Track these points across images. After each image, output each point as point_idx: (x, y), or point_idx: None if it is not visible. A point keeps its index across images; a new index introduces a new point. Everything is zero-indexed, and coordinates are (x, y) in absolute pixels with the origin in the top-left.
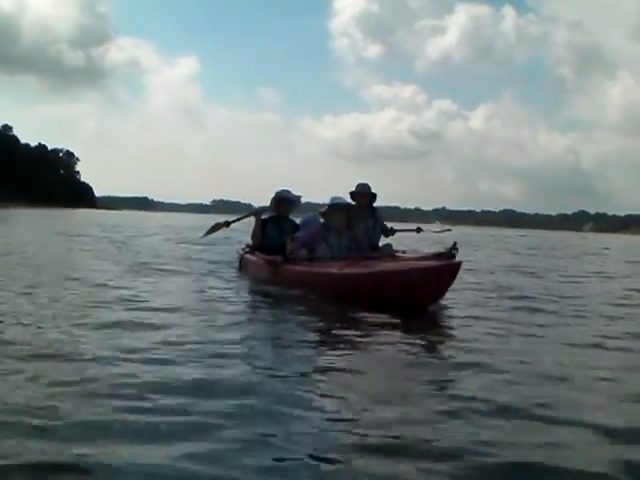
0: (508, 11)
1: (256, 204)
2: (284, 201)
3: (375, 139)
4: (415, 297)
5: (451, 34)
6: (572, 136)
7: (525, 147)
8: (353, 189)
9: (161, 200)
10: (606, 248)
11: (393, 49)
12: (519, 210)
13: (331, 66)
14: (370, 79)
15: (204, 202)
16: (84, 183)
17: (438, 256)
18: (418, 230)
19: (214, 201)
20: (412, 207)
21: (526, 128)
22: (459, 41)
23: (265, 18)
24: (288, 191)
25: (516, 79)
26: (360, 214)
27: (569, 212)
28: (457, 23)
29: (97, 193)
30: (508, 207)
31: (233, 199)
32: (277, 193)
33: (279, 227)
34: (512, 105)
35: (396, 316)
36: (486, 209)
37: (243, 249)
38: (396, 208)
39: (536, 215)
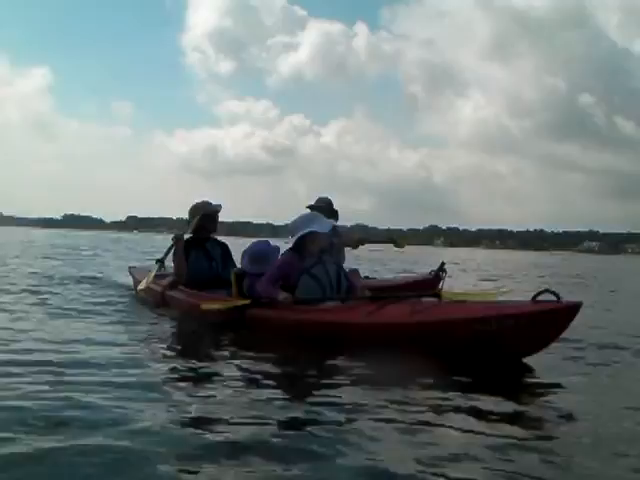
0: (361, 28)
1: (107, 219)
2: (211, 217)
3: (227, 154)
4: (518, 347)
5: (303, 50)
6: (424, 152)
7: (377, 163)
8: (312, 203)
9: (11, 214)
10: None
11: (245, 65)
12: (371, 225)
13: (183, 81)
14: (222, 94)
15: (55, 217)
16: None
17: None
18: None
19: (65, 215)
20: (264, 222)
21: (378, 144)
22: (311, 57)
23: (119, 31)
24: (209, 202)
25: (368, 95)
26: None
27: (420, 227)
28: (309, 40)
29: None
30: (360, 222)
31: (84, 214)
32: (202, 206)
33: (206, 252)
34: (364, 121)
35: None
36: (338, 224)
37: (156, 282)
38: (248, 223)
39: (388, 230)
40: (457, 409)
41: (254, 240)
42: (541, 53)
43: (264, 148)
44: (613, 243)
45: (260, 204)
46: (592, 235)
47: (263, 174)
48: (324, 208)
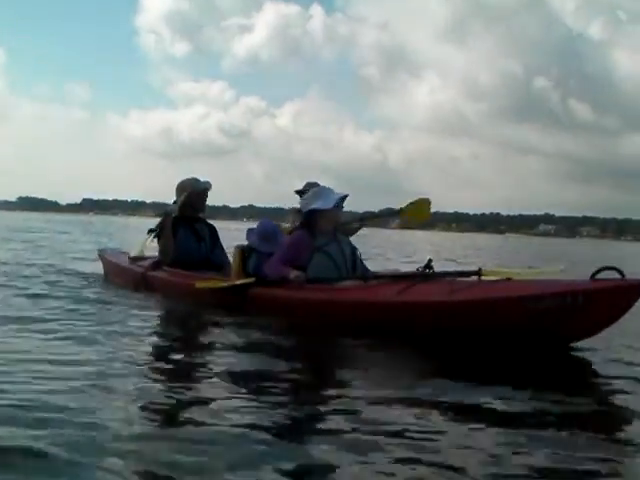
0: (316, 10)
1: (63, 202)
2: (201, 195)
3: (183, 136)
4: (578, 329)
5: (259, 32)
6: (379, 134)
7: (332, 145)
8: (300, 188)
9: None
10: None
11: (201, 46)
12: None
13: (139, 62)
14: (178, 76)
15: (9, 199)
16: None
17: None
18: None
19: (20, 198)
20: (220, 205)
21: (334, 126)
22: (267, 39)
23: (74, 12)
24: (197, 180)
25: (324, 77)
26: None
27: (376, 209)
28: (265, 21)
29: None
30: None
31: (40, 196)
32: (189, 183)
33: (194, 232)
34: (320, 103)
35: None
36: (295, 206)
37: (133, 261)
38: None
39: (343, 212)
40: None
41: (215, 222)
42: (497, 36)
43: (220, 130)
44: (569, 226)
45: (216, 186)
46: (548, 218)
47: (219, 156)
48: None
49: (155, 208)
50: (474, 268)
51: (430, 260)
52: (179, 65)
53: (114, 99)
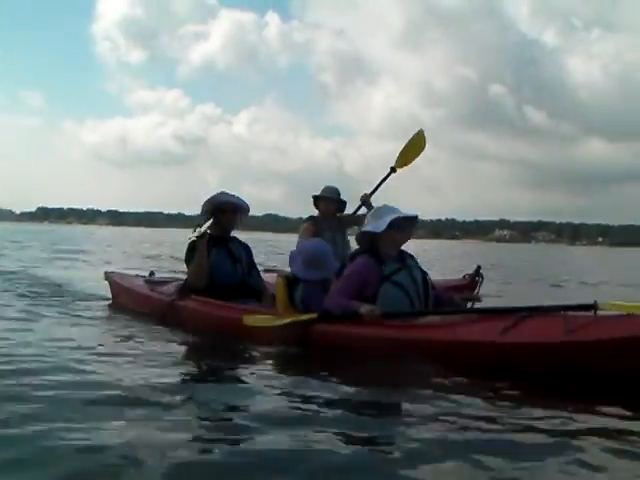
0: (272, 17)
1: (17, 210)
2: (236, 211)
3: (139, 143)
4: None
5: (214, 40)
6: (335, 141)
7: (288, 151)
8: (317, 193)
9: None
10: None
11: (156, 54)
12: (282, 214)
13: (94, 70)
14: (133, 83)
15: None
16: None
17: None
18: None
19: None
20: (176, 212)
21: (290, 132)
22: (223, 46)
23: (29, 20)
24: (227, 193)
25: (280, 85)
26: (327, 226)
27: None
28: (221, 29)
29: None
30: (271, 212)
31: None
32: (220, 198)
33: (229, 253)
34: (276, 110)
35: None
36: (250, 214)
37: (151, 288)
38: (160, 214)
39: (299, 219)
40: None
41: (172, 230)
42: (453, 43)
43: (175, 137)
44: (524, 231)
45: (172, 194)
46: (503, 224)
47: (174, 164)
48: (333, 199)
49: (110, 217)
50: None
51: (479, 267)
52: (134, 72)
53: (69, 107)
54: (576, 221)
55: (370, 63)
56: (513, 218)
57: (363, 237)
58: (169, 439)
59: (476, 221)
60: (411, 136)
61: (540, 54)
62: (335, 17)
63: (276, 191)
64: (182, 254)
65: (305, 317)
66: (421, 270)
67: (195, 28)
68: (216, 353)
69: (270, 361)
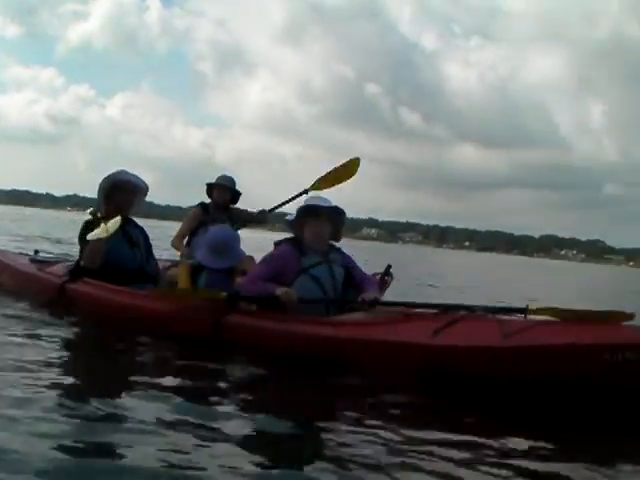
0: (153, 2)
1: None
2: (132, 192)
3: (10, 120)
4: None
5: (94, 20)
6: (209, 130)
7: (161, 138)
8: (213, 181)
9: None
10: None
11: (34, 30)
12: (155, 202)
13: None
14: (7, 59)
15: None
16: None
17: None
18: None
19: None
20: (43, 192)
21: (164, 119)
22: (102, 27)
23: None
24: (127, 172)
25: (157, 70)
26: (217, 216)
27: None
28: (101, 9)
29: None
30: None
31: None
32: (119, 177)
33: (126, 236)
34: (151, 96)
35: None
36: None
37: (39, 268)
38: (27, 192)
39: (167, 206)
40: None
41: (40, 211)
42: (333, 41)
43: (48, 117)
44: (392, 231)
45: (40, 173)
46: (372, 222)
47: (45, 143)
48: (228, 187)
49: None
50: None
51: (389, 266)
52: (9, 48)
53: None
54: (444, 224)
55: (249, 55)
56: (382, 217)
57: (289, 226)
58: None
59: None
60: (343, 162)
61: (418, 57)
62: (217, 7)
63: (147, 177)
64: (54, 234)
65: (213, 295)
66: (345, 267)
67: (75, 7)
68: (112, 344)
69: (174, 353)
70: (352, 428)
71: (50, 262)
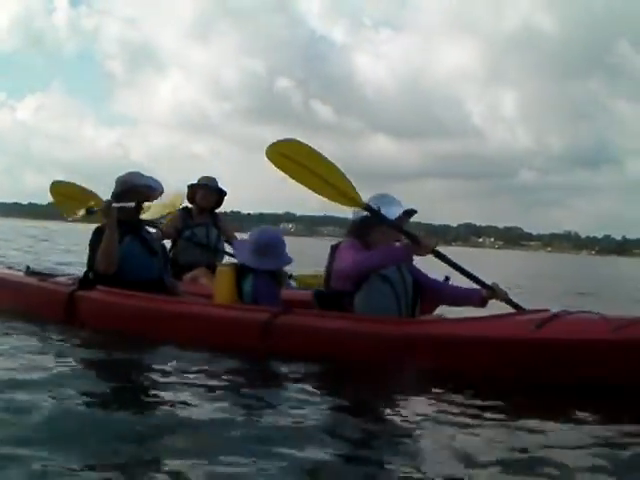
0: (60, 2)
1: None
2: (148, 196)
3: None
4: None
5: (0, 22)
6: (120, 130)
7: (73, 140)
8: (194, 182)
9: None
10: None
11: None
12: None
13: None
14: None
15: None
16: None
17: None
18: None
19: None
20: None
21: (75, 120)
22: (8, 29)
23: None
24: (142, 175)
25: (67, 71)
26: (201, 220)
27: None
28: (6, 10)
29: None
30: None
31: None
32: (130, 179)
33: (143, 241)
34: (62, 97)
35: None
36: (34, 202)
37: (35, 277)
38: None
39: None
40: None
41: None
42: (242, 36)
43: None
44: (309, 225)
45: None
46: (289, 217)
47: None
48: (213, 189)
49: None
50: None
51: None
52: None
53: None
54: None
55: (159, 53)
56: (299, 212)
57: (359, 222)
58: None
59: (261, 214)
60: None
61: (329, 50)
62: (125, 4)
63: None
64: None
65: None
66: (413, 275)
67: None
68: (140, 358)
69: (218, 363)
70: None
71: (50, 275)
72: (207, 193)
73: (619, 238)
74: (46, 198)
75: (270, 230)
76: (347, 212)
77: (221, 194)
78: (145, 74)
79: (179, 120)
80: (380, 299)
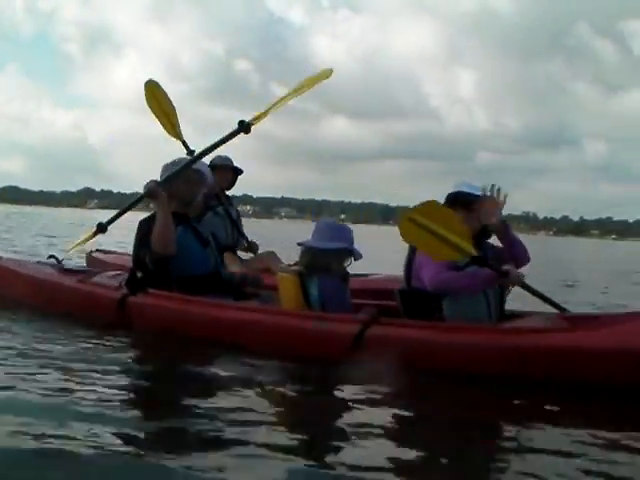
0: None
1: None
2: (198, 183)
3: None
4: None
5: None
6: (78, 112)
7: (29, 122)
8: (210, 161)
9: None
10: None
11: None
12: (23, 187)
13: None
14: None
15: None
16: None
17: None
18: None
19: None
20: None
21: (32, 103)
22: None
23: None
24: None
25: (23, 54)
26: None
27: (74, 189)
28: None
29: None
30: (13, 184)
31: None
32: (179, 163)
33: (196, 234)
34: (18, 80)
35: None
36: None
37: (71, 275)
38: None
39: (41, 192)
40: None
41: None
42: (200, 17)
43: None
44: (267, 207)
45: None
46: (246, 199)
47: None
48: (230, 167)
49: None
50: None
51: None
52: None
53: None
54: (320, 198)
55: (117, 34)
56: (256, 194)
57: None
58: None
59: None
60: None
61: (287, 32)
62: None
63: (16, 162)
64: None
65: None
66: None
67: None
68: (212, 374)
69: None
70: None
71: (83, 271)
72: (224, 173)
73: (577, 219)
74: (3, 181)
75: (330, 220)
76: (304, 194)
77: (236, 173)
78: (102, 55)
79: (137, 102)
80: (472, 305)
